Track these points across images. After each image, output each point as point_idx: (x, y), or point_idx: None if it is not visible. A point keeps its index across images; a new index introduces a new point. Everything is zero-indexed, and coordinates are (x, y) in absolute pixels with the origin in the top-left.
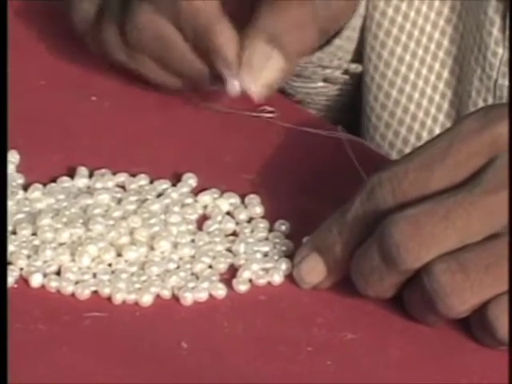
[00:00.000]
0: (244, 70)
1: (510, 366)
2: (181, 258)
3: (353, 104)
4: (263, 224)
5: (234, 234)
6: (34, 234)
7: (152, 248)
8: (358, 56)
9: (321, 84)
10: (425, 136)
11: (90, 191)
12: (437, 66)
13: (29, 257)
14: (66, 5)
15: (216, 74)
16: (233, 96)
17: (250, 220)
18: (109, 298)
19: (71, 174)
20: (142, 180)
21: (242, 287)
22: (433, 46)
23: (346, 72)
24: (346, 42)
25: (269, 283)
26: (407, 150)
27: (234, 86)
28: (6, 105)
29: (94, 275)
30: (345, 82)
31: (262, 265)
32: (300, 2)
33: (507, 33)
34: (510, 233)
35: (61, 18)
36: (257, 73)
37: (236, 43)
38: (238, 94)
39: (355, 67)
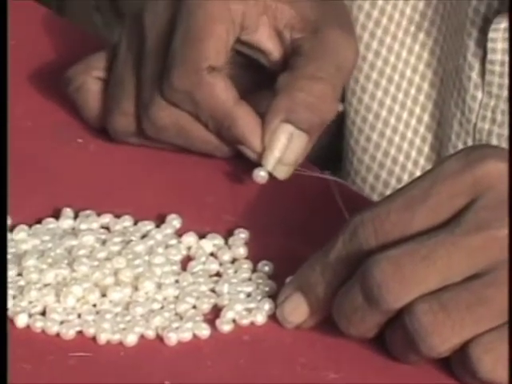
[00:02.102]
0: (268, 155)
1: (510, 366)
2: (165, 299)
3: (334, 141)
4: (246, 265)
5: (218, 274)
6: (19, 274)
7: (136, 288)
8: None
9: None
10: (405, 179)
11: (74, 232)
12: (417, 109)
13: (14, 297)
14: (78, 101)
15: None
16: (260, 183)
17: (233, 261)
18: (93, 338)
19: (56, 215)
20: (127, 221)
21: (225, 327)
22: (413, 90)
23: None
24: None
25: (252, 323)
26: (388, 193)
27: (260, 174)
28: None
29: (79, 315)
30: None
31: (246, 305)
32: (318, 79)
33: (486, 77)
34: (510, 253)
35: (48, 58)
36: (280, 155)
37: (258, 129)
38: (265, 181)
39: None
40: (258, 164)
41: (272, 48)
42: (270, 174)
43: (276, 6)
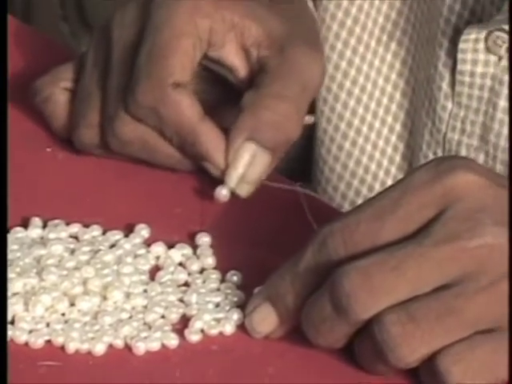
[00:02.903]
0: (231, 172)
1: (509, 366)
2: (133, 308)
3: (304, 154)
4: (215, 275)
5: (186, 284)
6: None
7: (105, 298)
8: (310, 107)
9: None
10: (377, 188)
11: (43, 241)
12: (389, 119)
13: None
14: (46, 112)
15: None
16: (222, 201)
17: (201, 271)
18: (62, 348)
19: (25, 224)
20: (95, 231)
21: (194, 337)
22: (385, 100)
23: None
24: None
25: (220, 333)
26: (359, 202)
27: (222, 193)
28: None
29: (48, 324)
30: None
31: (214, 315)
32: (283, 98)
33: (456, 88)
34: (510, 260)
35: (14, 67)
36: (243, 173)
37: (221, 146)
38: (227, 199)
39: (308, 119)
40: (221, 181)
41: (238, 65)
42: (233, 193)
43: (243, 23)
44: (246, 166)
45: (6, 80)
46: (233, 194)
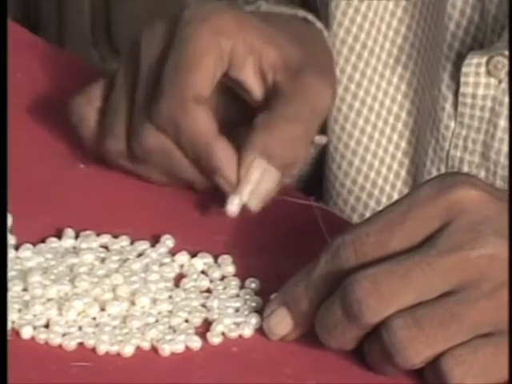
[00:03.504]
0: (243, 187)
1: (509, 366)
2: (159, 313)
3: (317, 171)
4: (235, 282)
5: (208, 290)
6: (24, 289)
7: (133, 303)
8: (323, 128)
9: None
10: (384, 201)
11: (75, 251)
12: (395, 136)
13: (20, 311)
14: (74, 116)
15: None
16: (233, 215)
17: (222, 278)
18: (93, 349)
19: (59, 235)
20: (124, 241)
21: (215, 340)
22: (392, 119)
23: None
24: None
25: (240, 336)
26: (368, 214)
27: (234, 205)
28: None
29: (80, 328)
30: (310, 152)
31: (234, 319)
32: (293, 121)
33: (458, 109)
34: (510, 268)
35: (52, 90)
36: (254, 188)
37: (234, 162)
38: (238, 213)
39: (319, 139)
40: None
41: (255, 87)
42: (243, 207)
43: (263, 47)
44: (256, 182)
45: (6, 87)
46: (243, 209)
